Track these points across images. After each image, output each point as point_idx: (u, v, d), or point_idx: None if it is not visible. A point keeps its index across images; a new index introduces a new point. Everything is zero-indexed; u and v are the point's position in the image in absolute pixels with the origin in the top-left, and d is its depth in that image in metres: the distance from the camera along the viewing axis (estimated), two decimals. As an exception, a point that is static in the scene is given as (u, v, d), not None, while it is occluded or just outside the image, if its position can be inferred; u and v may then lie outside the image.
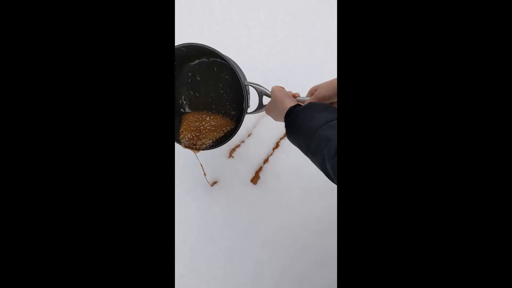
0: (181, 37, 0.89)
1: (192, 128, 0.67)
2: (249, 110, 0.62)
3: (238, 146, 0.82)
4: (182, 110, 0.72)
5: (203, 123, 0.67)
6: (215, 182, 0.81)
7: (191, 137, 0.66)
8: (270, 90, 0.58)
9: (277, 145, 0.81)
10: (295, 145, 0.50)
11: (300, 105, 0.52)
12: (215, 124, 0.67)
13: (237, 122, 0.64)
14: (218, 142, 0.65)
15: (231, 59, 0.60)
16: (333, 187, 0.74)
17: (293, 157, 0.78)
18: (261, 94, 0.60)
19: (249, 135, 0.83)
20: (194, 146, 0.65)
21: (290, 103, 0.52)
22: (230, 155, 0.82)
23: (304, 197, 0.75)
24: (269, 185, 0.78)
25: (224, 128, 0.67)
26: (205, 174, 0.74)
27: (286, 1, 0.90)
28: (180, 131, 0.67)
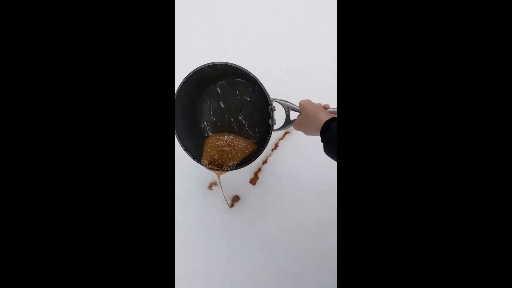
0: (181, 38, 0.89)
1: (216, 150, 0.68)
2: (275, 127, 0.61)
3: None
4: (205, 133, 0.72)
5: (227, 146, 0.68)
6: (213, 183, 0.81)
7: (216, 158, 0.67)
8: (298, 105, 0.58)
9: (276, 146, 0.80)
10: (333, 159, 0.49)
11: (335, 118, 0.51)
12: (239, 145, 0.68)
13: (262, 142, 0.64)
14: (243, 162, 0.66)
15: (255, 76, 0.59)
16: (331, 189, 0.74)
17: (291, 159, 0.78)
18: (288, 109, 0.59)
19: (248, 136, 0.83)
20: (219, 168, 0.66)
21: (325, 117, 0.51)
22: (229, 156, 0.82)
23: (302, 198, 0.75)
24: (267, 186, 0.78)
25: (247, 150, 0.67)
26: (225, 198, 0.74)
27: (285, 3, 0.90)
28: (204, 153, 0.68)
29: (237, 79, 0.67)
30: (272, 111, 0.58)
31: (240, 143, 0.67)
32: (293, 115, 0.60)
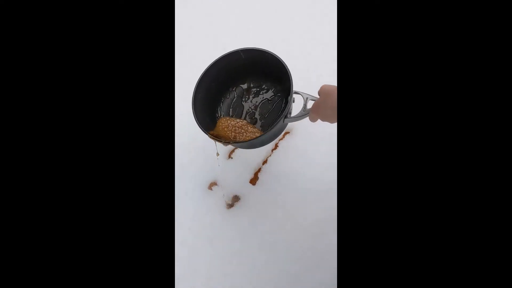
0: (181, 37, 0.89)
1: (227, 129, 0.68)
2: (289, 116, 0.61)
3: (237, 147, 0.82)
4: (217, 115, 0.72)
5: (239, 127, 0.68)
6: (214, 183, 0.81)
7: (226, 136, 0.67)
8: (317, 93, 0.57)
9: (276, 146, 0.80)
10: None
11: None
12: (249, 130, 0.68)
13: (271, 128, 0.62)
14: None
15: (283, 61, 0.60)
16: (331, 189, 0.73)
17: (292, 159, 0.78)
18: (307, 99, 0.59)
19: (248, 136, 0.83)
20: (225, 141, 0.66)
21: None
22: (229, 156, 0.82)
23: (303, 198, 0.74)
24: (267, 186, 0.78)
25: (256, 135, 0.67)
26: (217, 155, 0.73)
27: (285, 3, 0.90)
28: (215, 129, 0.68)
29: (264, 77, 0.68)
30: (291, 100, 0.58)
31: (250, 129, 0.68)
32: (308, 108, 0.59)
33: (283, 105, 0.64)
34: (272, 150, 0.80)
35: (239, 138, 0.67)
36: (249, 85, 0.71)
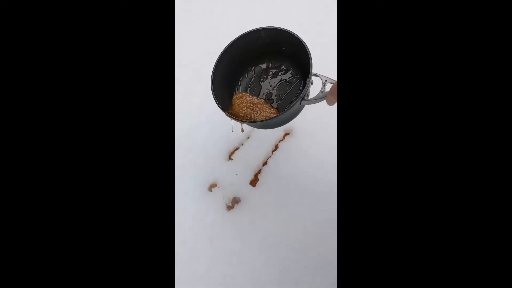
0: (180, 36, 0.89)
1: (244, 105, 0.67)
2: (306, 98, 0.60)
3: (237, 148, 0.82)
4: (234, 94, 0.71)
5: (254, 105, 0.67)
6: (214, 185, 0.80)
7: (242, 114, 0.66)
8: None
9: (276, 148, 0.80)
10: None
11: None
12: (264, 109, 0.67)
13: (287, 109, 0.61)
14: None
15: (303, 40, 0.59)
16: (332, 190, 0.73)
17: (292, 160, 0.78)
18: (325, 82, 0.58)
19: (248, 138, 0.82)
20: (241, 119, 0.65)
21: None
22: (229, 158, 0.82)
23: (303, 200, 0.74)
24: (268, 187, 0.78)
25: (271, 115, 0.66)
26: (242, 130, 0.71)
27: (285, 3, 0.90)
28: (232, 105, 0.67)
29: (283, 58, 0.68)
30: (309, 81, 0.57)
31: (266, 108, 0.67)
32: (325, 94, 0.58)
33: (301, 87, 0.63)
34: (272, 151, 0.80)
35: (254, 116, 0.66)
36: (268, 65, 0.70)
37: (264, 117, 0.65)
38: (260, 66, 0.70)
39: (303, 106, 0.60)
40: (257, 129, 0.82)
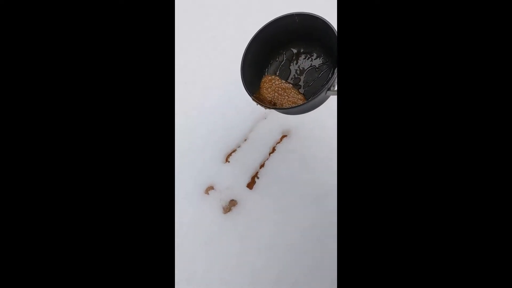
0: (181, 40, 0.89)
1: (271, 88, 0.67)
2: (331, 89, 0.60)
3: (234, 150, 0.82)
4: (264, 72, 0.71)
5: (282, 90, 0.67)
6: (211, 188, 0.80)
7: (270, 97, 0.66)
8: None
9: (273, 150, 0.80)
10: None
11: None
12: (292, 94, 0.67)
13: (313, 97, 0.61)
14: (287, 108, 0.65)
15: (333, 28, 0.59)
16: (329, 192, 0.73)
17: (289, 162, 0.78)
18: None
19: (245, 140, 0.82)
20: (268, 103, 0.65)
21: None
22: (226, 160, 0.81)
23: (300, 202, 0.74)
24: (265, 190, 0.77)
25: (298, 102, 0.66)
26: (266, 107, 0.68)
27: (285, 4, 0.90)
28: (260, 88, 0.67)
29: (315, 44, 0.67)
30: (333, 72, 0.57)
31: (293, 93, 0.67)
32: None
33: (329, 75, 0.63)
34: (270, 154, 0.80)
35: (281, 100, 0.66)
36: (299, 50, 0.69)
37: (290, 103, 0.65)
38: (292, 50, 0.70)
39: (328, 96, 0.60)
40: (254, 131, 0.82)
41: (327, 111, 0.80)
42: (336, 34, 0.56)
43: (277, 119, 0.82)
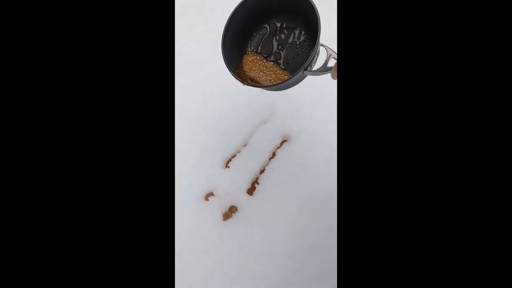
0: (180, 41, 0.88)
1: (255, 66, 0.66)
2: (309, 69, 0.59)
3: (234, 156, 0.81)
4: (246, 49, 0.70)
5: (266, 68, 0.66)
6: (210, 194, 0.79)
7: (253, 75, 0.66)
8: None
9: (273, 155, 0.79)
10: None
11: None
12: (276, 71, 0.66)
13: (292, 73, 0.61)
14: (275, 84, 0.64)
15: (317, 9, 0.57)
16: (331, 197, 0.72)
17: (290, 167, 0.77)
18: (329, 56, 0.57)
19: (244, 145, 0.82)
20: (248, 81, 0.65)
21: None
22: (226, 165, 0.81)
23: (301, 208, 0.73)
24: (265, 196, 0.76)
25: (282, 78, 0.65)
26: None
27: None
28: (242, 64, 0.67)
29: (299, 19, 0.66)
30: (315, 52, 0.56)
31: (279, 71, 0.66)
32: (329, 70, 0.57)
33: (309, 54, 0.60)
34: (270, 159, 0.79)
35: (265, 78, 0.65)
36: (282, 24, 0.68)
37: (278, 80, 0.64)
38: (275, 23, 0.68)
39: (305, 76, 0.59)
40: (254, 135, 0.81)
41: (329, 116, 0.79)
42: (317, 12, 0.55)
43: (277, 124, 0.81)
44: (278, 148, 0.80)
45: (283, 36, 0.68)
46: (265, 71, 0.66)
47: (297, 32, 0.66)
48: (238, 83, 0.60)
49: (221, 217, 0.76)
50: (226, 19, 0.62)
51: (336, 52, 0.57)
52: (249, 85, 0.60)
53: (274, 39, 0.68)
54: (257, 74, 0.66)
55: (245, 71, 0.66)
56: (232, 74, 0.60)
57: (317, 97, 0.77)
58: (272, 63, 0.67)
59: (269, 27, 0.68)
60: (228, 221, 0.76)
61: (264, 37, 0.69)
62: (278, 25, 0.68)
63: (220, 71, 0.85)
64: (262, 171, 0.79)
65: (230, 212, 0.77)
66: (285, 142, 0.80)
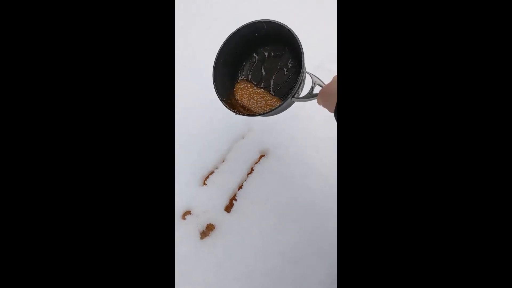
0: (180, 42, 0.88)
1: (246, 93, 0.68)
2: (297, 96, 0.61)
3: (211, 173, 0.80)
4: (238, 78, 0.72)
5: (257, 95, 0.68)
6: (188, 212, 0.77)
7: (244, 103, 0.67)
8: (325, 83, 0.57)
9: (251, 170, 0.79)
10: None
11: None
12: (267, 98, 0.68)
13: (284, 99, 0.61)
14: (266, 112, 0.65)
15: (298, 38, 0.60)
16: (309, 212, 0.72)
17: (267, 182, 0.77)
18: (315, 83, 0.59)
19: (223, 161, 0.81)
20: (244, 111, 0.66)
21: None
22: (204, 183, 0.79)
23: (279, 223, 0.72)
24: (243, 212, 0.75)
25: (273, 104, 0.67)
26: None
27: (285, 4, 0.92)
28: (234, 92, 0.68)
29: (285, 48, 0.68)
30: (300, 80, 0.58)
31: (269, 97, 0.68)
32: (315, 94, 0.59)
33: (296, 80, 0.62)
34: (248, 174, 0.79)
35: (257, 106, 0.66)
36: (270, 53, 0.71)
37: (268, 107, 0.66)
38: (263, 52, 0.71)
39: (293, 102, 0.61)
40: (232, 151, 0.81)
41: (304, 130, 0.80)
42: (300, 44, 0.58)
43: (255, 139, 0.81)
44: (256, 163, 0.80)
45: (271, 64, 0.71)
46: (255, 97, 0.68)
47: (284, 59, 0.70)
48: (220, 104, 0.62)
49: (198, 236, 0.74)
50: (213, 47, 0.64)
51: (321, 79, 0.60)
52: (242, 115, 0.62)
53: (263, 67, 0.71)
54: (248, 101, 0.68)
55: (237, 99, 0.68)
56: (225, 105, 0.62)
57: (293, 112, 0.78)
58: (262, 89, 0.69)
59: (257, 56, 0.72)
60: (206, 239, 0.73)
61: (253, 65, 0.71)
62: (266, 54, 0.71)
63: (197, 89, 0.85)
64: (240, 187, 0.78)
65: (207, 230, 0.75)
66: (263, 157, 0.80)
